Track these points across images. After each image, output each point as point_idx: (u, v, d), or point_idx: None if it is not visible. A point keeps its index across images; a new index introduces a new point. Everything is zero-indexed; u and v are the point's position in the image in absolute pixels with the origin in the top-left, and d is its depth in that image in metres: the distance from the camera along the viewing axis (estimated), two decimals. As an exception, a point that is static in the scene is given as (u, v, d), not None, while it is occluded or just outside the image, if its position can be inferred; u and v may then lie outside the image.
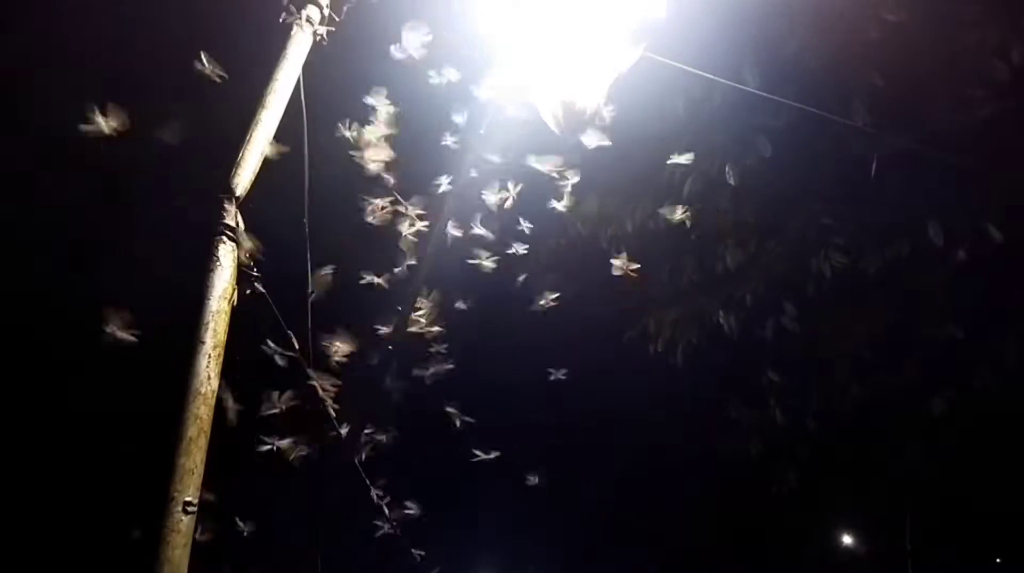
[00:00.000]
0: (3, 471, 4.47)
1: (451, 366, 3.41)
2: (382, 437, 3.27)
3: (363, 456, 3.21)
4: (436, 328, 3.31)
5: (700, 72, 3.45)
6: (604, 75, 2.72)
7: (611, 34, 2.69)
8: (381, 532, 3.39)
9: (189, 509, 2.23)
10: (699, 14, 3.56)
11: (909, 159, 4.41)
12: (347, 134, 2.85)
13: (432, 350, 3.43)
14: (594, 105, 2.73)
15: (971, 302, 4.96)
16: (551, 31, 2.74)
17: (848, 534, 9.09)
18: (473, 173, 3.13)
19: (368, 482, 3.31)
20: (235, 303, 2.37)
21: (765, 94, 3.62)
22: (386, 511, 3.34)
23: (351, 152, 2.90)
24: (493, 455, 3.61)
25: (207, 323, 2.30)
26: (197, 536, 2.25)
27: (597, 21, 2.68)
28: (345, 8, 2.74)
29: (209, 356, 2.30)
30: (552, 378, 4.23)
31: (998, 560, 7.70)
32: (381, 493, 3.37)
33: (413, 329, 3.25)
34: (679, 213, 3.79)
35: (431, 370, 3.40)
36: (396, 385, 3.30)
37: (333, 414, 2.95)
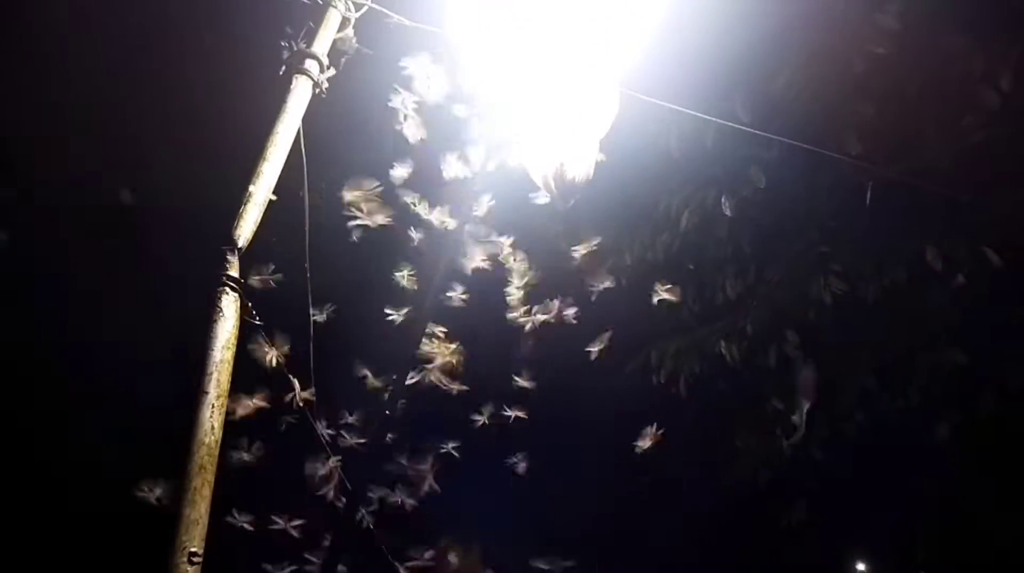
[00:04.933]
0: (10, 523, 4.46)
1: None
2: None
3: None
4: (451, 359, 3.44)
5: (692, 112, 3.51)
6: (592, 142, 2.81)
7: (595, 94, 2.77)
8: None
9: (194, 560, 2.23)
10: (689, 53, 3.64)
11: (903, 186, 4.45)
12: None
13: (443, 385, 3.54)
14: (585, 172, 2.80)
15: (973, 326, 4.96)
16: (539, 97, 2.83)
17: (861, 563, 8.95)
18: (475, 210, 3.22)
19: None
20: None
21: (756, 131, 3.68)
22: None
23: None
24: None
25: (210, 373, 2.32)
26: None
27: (582, 84, 2.76)
28: (343, 60, 2.81)
29: (212, 406, 2.32)
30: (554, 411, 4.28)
31: (1014, 585, 7.55)
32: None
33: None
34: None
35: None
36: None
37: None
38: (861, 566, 9.52)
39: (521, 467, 4.28)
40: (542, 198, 3.41)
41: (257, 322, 2.46)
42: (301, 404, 2.84)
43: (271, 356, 2.60)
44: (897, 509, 6.26)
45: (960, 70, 4.20)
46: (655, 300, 3.88)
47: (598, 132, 2.81)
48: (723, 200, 4.71)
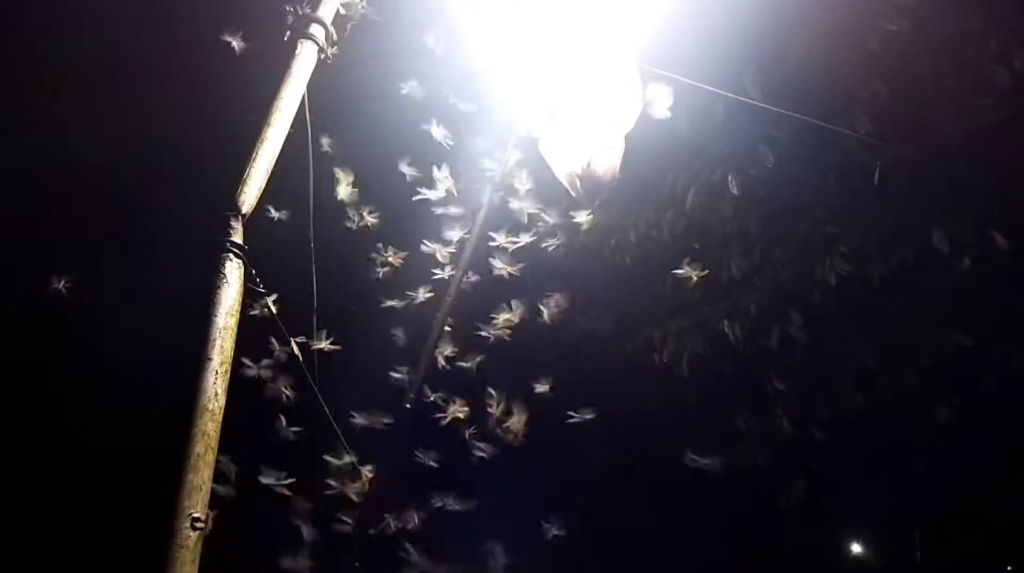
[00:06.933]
0: (13, 489, 4.48)
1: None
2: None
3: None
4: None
5: (702, 85, 3.46)
6: (618, 137, 2.73)
7: (619, 86, 2.69)
8: None
9: (197, 525, 2.23)
10: (700, 26, 3.59)
11: (913, 166, 4.41)
12: None
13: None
14: (612, 170, 2.73)
15: (977, 309, 4.94)
16: (565, 95, 2.74)
17: (857, 544, 9.03)
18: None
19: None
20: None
21: (767, 106, 3.63)
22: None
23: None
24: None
25: (214, 340, 2.31)
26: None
27: (604, 74, 2.68)
28: (349, 26, 2.76)
29: (216, 372, 2.31)
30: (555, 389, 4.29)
31: (1009, 568, 7.62)
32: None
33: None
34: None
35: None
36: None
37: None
38: (856, 548, 9.61)
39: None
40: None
41: (261, 289, 2.45)
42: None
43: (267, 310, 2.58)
44: (896, 491, 6.29)
45: (974, 49, 4.14)
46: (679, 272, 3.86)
47: (624, 127, 2.73)
48: (730, 178, 4.66)
